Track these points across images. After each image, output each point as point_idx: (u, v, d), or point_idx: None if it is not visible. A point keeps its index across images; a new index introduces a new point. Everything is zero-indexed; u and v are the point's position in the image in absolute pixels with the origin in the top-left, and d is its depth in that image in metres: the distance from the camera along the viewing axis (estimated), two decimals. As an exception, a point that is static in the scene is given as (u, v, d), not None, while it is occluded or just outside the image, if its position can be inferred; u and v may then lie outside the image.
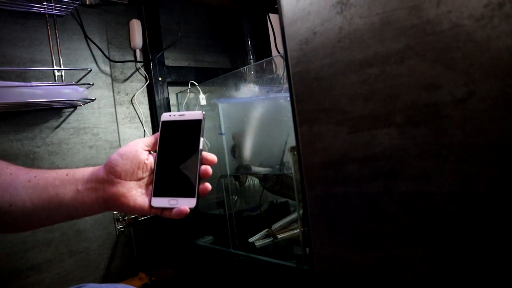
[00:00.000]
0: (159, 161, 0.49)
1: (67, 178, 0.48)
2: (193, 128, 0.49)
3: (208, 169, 0.49)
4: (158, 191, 0.48)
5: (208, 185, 0.49)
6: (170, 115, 0.51)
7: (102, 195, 0.48)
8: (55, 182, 0.48)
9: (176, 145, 0.50)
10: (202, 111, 0.50)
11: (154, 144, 0.51)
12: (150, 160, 0.50)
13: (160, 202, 0.48)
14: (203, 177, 0.49)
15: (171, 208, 0.47)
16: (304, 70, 0.61)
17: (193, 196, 0.47)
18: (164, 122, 0.51)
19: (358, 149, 0.56)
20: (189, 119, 0.50)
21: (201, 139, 0.49)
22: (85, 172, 0.49)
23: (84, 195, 0.48)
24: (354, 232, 0.58)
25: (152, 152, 0.51)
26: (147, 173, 0.49)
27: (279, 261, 1.03)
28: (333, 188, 0.60)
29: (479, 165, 0.45)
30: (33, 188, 0.47)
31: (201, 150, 0.48)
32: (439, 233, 0.49)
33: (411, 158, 0.50)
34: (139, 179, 0.49)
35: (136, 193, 0.48)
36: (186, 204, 0.47)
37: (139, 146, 0.50)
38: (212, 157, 0.51)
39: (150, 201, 0.48)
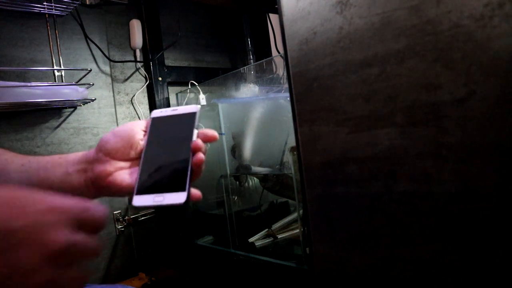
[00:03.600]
0: (145, 156, 0.45)
1: (59, 160, 0.46)
2: (186, 120, 0.46)
3: (200, 155, 0.42)
4: (141, 188, 0.42)
5: (198, 194, 0.42)
6: (161, 111, 0.48)
7: (91, 176, 0.45)
8: (47, 165, 0.46)
9: (166, 139, 0.45)
10: (199, 105, 0.47)
11: None
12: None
13: (144, 200, 0.42)
14: (196, 166, 0.42)
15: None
16: (304, 70, 0.61)
17: (183, 190, 0.40)
18: (154, 119, 0.48)
19: (358, 149, 0.56)
20: (182, 113, 0.47)
21: (195, 131, 0.44)
22: (78, 154, 0.47)
23: (73, 177, 0.45)
24: (354, 232, 0.58)
25: None
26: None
27: (279, 261, 1.03)
28: (333, 188, 0.60)
29: (479, 165, 0.45)
30: (25, 172, 0.45)
31: (195, 141, 0.44)
32: (439, 233, 0.49)
33: (411, 158, 0.50)
34: (131, 159, 0.45)
35: (125, 173, 0.44)
36: (174, 200, 0.40)
37: (135, 126, 0.47)
38: (212, 133, 0.46)
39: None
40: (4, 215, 0.26)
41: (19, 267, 0.25)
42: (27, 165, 0.46)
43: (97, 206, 0.31)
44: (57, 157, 0.47)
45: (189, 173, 0.42)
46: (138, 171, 0.44)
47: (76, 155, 0.47)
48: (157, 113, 0.48)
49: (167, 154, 0.44)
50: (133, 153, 0.45)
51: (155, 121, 0.47)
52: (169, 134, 0.45)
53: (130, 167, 0.45)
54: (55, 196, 0.29)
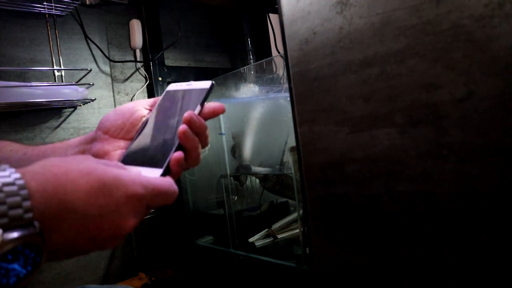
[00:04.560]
0: (143, 130, 0.43)
1: (61, 145, 0.45)
2: (195, 96, 0.43)
3: (182, 126, 0.38)
4: (125, 160, 0.40)
5: (178, 154, 0.38)
6: (176, 85, 0.46)
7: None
8: (47, 151, 0.45)
9: (170, 114, 0.43)
10: (213, 81, 0.44)
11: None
12: None
13: None
14: (180, 140, 0.38)
15: None
16: (304, 70, 0.61)
17: (161, 167, 0.38)
18: (167, 92, 0.46)
19: (358, 149, 0.56)
20: (193, 88, 0.44)
21: (198, 107, 0.41)
22: (79, 137, 0.46)
23: None
24: (354, 232, 0.58)
25: None
26: None
27: (279, 261, 1.03)
28: (333, 188, 0.60)
29: (479, 165, 0.45)
30: (26, 160, 0.44)
31: (186, 113, 0.40)
32: (439, 233, 0.49)
33: (411, 158, 0.50)
34: (132, 139, 0.43)
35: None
36: (149, 175, 0.37)
37: (138, 104, 0.45)
38: (219, 105, 0.42)
39: None
40: (96, 201, 0.29)
41: (97, 243, 0.31)
42: (29, 153, 0.46)
43: (170, 187, 0.35)
44: (59, 143, 0.47)
45: (174, 148, 0.39)
46: (131, 143, 0.42)
47: (77, 138, 0.46)
48: (173, 86, 0.46)
49: (164, 129, 0.42)
50: (134, 132, 0.43)
51: (166, 95, 0.46)
52: (174, 110, 0.43)
53: None
54: (137, 181, 0.32)
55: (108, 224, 0.30)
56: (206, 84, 0.44)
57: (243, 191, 1.32)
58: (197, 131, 0.39)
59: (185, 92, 0.45)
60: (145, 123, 0.44)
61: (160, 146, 0.40)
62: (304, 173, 0.63)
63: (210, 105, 0.43)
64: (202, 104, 0.42)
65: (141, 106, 0.45)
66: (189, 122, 0.39)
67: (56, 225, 0.27)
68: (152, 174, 0.37)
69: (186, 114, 0.39)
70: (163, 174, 0.37)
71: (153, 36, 1.40)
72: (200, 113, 0.41)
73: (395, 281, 0.54)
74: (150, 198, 0.33)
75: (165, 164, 0.38)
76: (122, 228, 0.31)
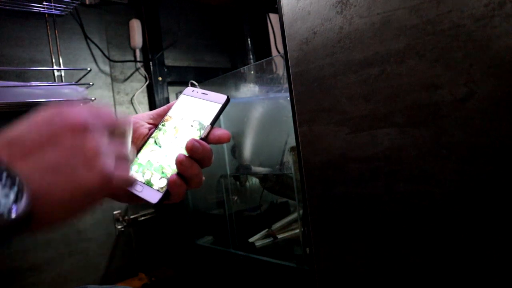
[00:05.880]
0: (154, 136, 0.42)
1: None
2: (208, 111, 0.42)
3: (180, 156, 0.37)
4: (133, 167, 0.40)
5: (172, 177, 0.37)
6: (193, 91, 0.45)
7: None
8: None
9: (181, 125, 0.42)
10: (228, 95, 0.43)
11: (161, 116, 0.44)
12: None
13: None
14: (179, 168, 0.37)
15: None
16: (304, 70, 0.61)
17: (160, 191, 0.38)
18: (184, 96, 0.45)
19: (358, 149, 0.56)
20: (209, 100, 0.43)
21: (208, 127, 0.40)
22: None
23: None
24: (354, 232, 0.58)
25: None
26: None
27: (279, 261, 1.03)
28: (333, 188, 0.59)
29: (479, 165, 0.45)
30: None
31: (190, 140, 0.39)
32: (439, 233, 0.49)
33: (411, 158, 0.50)
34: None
35: None
36: (149, 196, 0.37)
37: (140, 118, 0.44)
38: (222, 133, 0.40)
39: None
40: (38, 129, 0.29)
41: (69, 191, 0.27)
42: None
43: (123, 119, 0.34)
44: None
45: (175, 170, 0.38)
46: (142, 146, 0.42)
47: None
48: (189, 91, 0.45)
49: (173, 142, 0.41)
50: (135, 150, 0.41)
51: (182, 101, 0.45)
52: (184, 122, 0.42)
53: None
54: (84, 111, 0.31)
55: (62, 161, 0.27)
56: (221, 98, 0.43)
57: (243, 191, 1.32)
58: (200, 157, 0.38)
59: (199, 103, 0.44)
60: (158, 128, 0.43)
61: (165, 165, 0.39)
62: (304, 173, 0.63)
63: (216, 132, 0.41)
64: (213, 123, 0.41)
65: (143, 121, 0.44)
66: (191, 151, 0.37)
67: (13, 154, 0.27)
68: (152, 197, 0.37)
69: (188, 142, 0.37)
70: (162, 198, 0.37)
71: (153, 36, 1.40)
72: (209, 133, 0.40)
73: (395, 281, 0.54)
74: (99, 128, 0.30)
75: (165, 188, 0.37)
76: (80, 171, 0.28)
